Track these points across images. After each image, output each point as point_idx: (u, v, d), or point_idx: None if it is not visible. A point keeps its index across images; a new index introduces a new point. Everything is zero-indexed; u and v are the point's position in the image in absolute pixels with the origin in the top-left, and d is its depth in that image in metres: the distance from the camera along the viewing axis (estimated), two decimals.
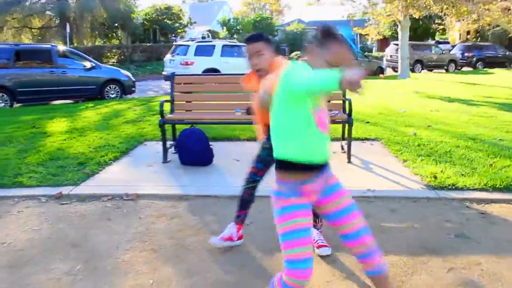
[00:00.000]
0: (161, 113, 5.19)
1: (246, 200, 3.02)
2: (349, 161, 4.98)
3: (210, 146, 5.08)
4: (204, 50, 16.28)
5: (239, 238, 3.05)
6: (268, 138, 2.82)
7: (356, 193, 3.97)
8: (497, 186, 4.09)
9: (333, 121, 4.68)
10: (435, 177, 4.28)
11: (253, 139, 6.23)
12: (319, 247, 2.94)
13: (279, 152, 1.98)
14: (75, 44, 27.11)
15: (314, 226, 2.97)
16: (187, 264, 2.82)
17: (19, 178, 4.52)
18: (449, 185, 4.13)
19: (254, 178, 2.98)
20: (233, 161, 5.10)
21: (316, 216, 2.88)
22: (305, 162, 1.94)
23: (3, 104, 11.52)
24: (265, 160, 2.92)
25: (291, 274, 1.89)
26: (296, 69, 1.90)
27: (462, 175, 4.37)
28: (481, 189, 4.06)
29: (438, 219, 3.48)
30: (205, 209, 3.72)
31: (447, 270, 2.71)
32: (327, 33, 1.97)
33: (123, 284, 2.61)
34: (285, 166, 1.97)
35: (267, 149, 2.88)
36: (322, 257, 2.89)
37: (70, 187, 4.27)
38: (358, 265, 2.78)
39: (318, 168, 1.99)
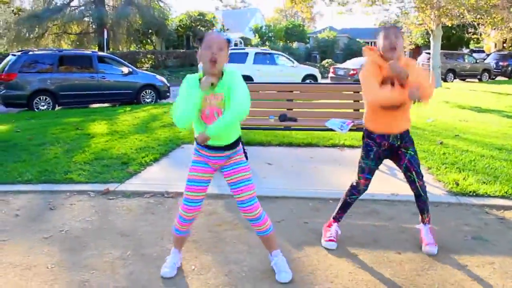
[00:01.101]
0: None
1: (349, 204, 3.31)
2: None
3: (244, 150, 5.41)
4: (237, 57, 16.74)
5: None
6: (370, 150, 3.16)
7: (380, 196, 4.23)
8: None
9: (360, 129, 4.94)
10: (457, 184, 4.49)
11: (285, 144, 6.55)
12: (426, 244, 3.17)
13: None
14: (111, 50, 28.01)
15: (422, 221, 3.30)
16: (224, 254, 3.15)
17: (69, 174, 4.95)
18: (470, 191, 4.34)
19: (366, 189, 3.22)
20: (265, 164, 5.42)
21: (422, 212, 3.27)
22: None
23: (46, 107, 12.19)
24: (373, 171, 3.19)
25: (182, 206, 2.77)
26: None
27: (484, 183, 4.57)
28: (502, 197, 4.25)
29: (457, 222, 3.70)
30: None
31: (461, 267, 2.95)
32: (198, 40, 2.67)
33: None
34: (194, 138, 2.69)
35: (374, 159, 3.16)
36: (346, 252, 3.17)
37: (116, 184, 4.67)
38: (377, 258, 3.07)
39: (214, 149, 2.67)
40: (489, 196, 4.28)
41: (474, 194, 4.31)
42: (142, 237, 3.44)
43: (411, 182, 3.18)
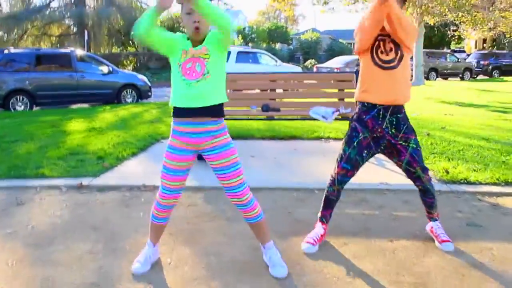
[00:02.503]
0: None
1: (332, 200, 2.92)
2: None
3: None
4: None
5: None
6: (354, 136, 2.78)
7: (369, 186, 4.05)
8: (509, 180, 4.13)
9: (346, 118, 4.76)
10: (447, 172, 4.33)
11: (268, 137, 6.34)
12: (442, 242, 2.86)
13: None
14: (92, 51, 27.54)
15: (431, 218, 2.98)
16: (203, 246, 2.91)
17: (40, 170, 4.66)
18: (461, 179, 4.18)
19: (343, 179, 2.83)
20: (248, 157, 5.19)
21: (431, 208, 2.93)
22: (178, 106, 2.39)
23: (23, 107, 11.79)
24: (353, 161, 2.78)
25: (159, 193, 2.60)
26: None
27: (474, 170, 4.41)
28: (493, 184, 4.10)
29: (450, 209, 3.53)
30: (220, 199, 3.81)
31: (459, 254, 2.76)
32: None
33: None
34: (173, 112, 2.44)
35: (356, 148, 2.77)
36: (335, 241, 2.95)
37: (90, 178, 4.40)
38: (369, 247, 2.87)
39: (193, 114, 2.36)
40: (480, 183, 4.12)
41: (465, 181, 4.15)
42: (115, 230, 3.18)
43: (415, 178, 2.82)
